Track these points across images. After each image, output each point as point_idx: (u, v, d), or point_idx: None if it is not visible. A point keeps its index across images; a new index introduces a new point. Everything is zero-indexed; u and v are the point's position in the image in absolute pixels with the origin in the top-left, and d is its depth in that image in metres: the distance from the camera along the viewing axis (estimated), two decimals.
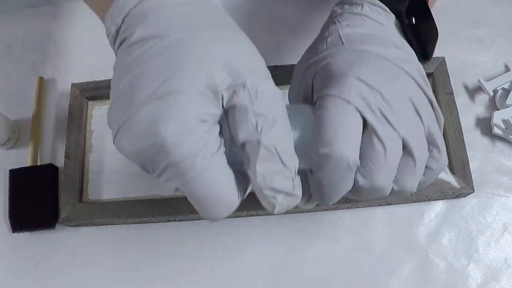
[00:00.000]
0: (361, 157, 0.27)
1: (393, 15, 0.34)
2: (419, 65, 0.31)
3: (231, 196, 0.27)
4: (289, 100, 0.37)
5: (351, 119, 0.27)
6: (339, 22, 0.34)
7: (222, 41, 0.28)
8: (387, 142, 0.27)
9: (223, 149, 0.27)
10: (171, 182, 0.27)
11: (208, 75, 0.26)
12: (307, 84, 0.33)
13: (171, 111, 0.25)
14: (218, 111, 0.26)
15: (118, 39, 0.29)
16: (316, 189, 0.30)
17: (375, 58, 0.30)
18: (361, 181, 0.28)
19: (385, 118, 0.27)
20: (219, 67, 0.26)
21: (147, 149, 0.25)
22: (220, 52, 0.27)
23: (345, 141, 0.27)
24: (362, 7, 0.34)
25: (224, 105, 0.26)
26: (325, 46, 0.33)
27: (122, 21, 0.28)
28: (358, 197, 0.30)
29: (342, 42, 0.32)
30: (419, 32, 0.33)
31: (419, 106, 0.29)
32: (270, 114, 0.26)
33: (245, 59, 0.28)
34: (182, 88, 0.25)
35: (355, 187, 0.28)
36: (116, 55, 0.29)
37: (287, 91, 0.38)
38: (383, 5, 0.33)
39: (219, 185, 0.26)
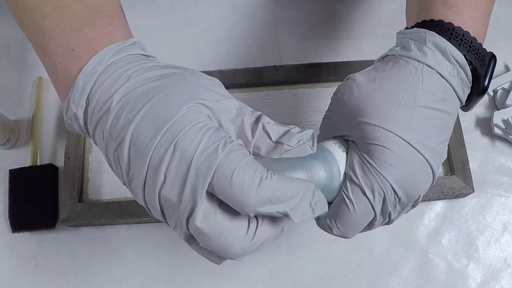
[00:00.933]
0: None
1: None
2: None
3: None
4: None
5: (368, 219, 0.32)
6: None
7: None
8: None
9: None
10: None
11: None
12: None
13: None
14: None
15: (92, 119, 0.28)
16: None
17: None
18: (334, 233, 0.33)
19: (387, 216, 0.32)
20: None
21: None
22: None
23: (355, 232, 0.32)
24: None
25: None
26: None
27: (88, 103, 0.28)
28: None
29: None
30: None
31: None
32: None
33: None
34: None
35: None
36: (93, 135, 0.29)
37: None
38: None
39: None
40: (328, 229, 0.32)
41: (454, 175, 0.49)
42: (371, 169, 0.30)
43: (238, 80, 0.54)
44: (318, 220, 0.33)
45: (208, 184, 0.25)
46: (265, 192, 0.25)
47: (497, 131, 0.52)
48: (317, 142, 0.31)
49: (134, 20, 0.60)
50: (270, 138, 0.28)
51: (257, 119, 0.28)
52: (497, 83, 0.53)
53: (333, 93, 0.34)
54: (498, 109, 0.53)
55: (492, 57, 0.34)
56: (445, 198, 0.50)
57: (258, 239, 0.28)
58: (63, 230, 0.51)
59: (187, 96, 0.26)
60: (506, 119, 0.51)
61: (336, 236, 0.33)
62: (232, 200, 0.25)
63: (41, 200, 0.51)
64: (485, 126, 0.53)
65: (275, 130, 0.28)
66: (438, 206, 0.51)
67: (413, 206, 0.33)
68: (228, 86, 0.55)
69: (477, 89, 0.34)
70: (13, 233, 0.51)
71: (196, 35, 0.59)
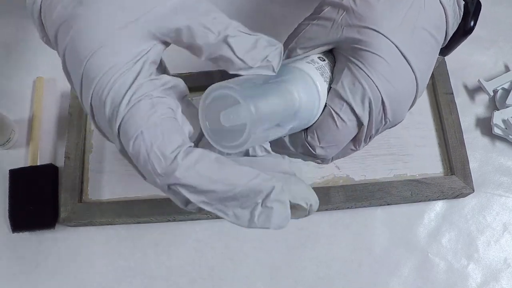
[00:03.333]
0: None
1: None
2: None
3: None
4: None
5: (352, 136, 0.30)
6: None
7: None
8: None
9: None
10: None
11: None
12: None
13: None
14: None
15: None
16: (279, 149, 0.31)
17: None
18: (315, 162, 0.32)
19: (369, 138, 0.31)
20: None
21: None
22: None
23: (337, 151, 0.30)
24: None
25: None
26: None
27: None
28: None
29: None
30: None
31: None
32: None
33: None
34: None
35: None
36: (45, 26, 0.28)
37: None
38: None
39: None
40: (306, 148, 0.29)
41: (454, 175, 0.49)
42: (361, 80, 0.28)
43: None
44: (288, 137, 0.30)
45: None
46: (182, 172, 0.21)
47: (497, 131, 0.52)
48: (293, 54, 0.30)
49: None
50: (235, 54, 0.25)
51: (218, 32, 0.25)
52: (497, 83, 0.53)
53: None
54: (498, 109, 0.53)
55: (478, 3, 0.33)
56: (445, 198, 0.50)
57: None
58: (63, 230, 0.51)
59: (103, 24, 0.24)
60: (506, 119, 0.51)
61: (314, 158, 0.30)
62: (139, 168, 0.23)
63: (41, 200, 0.51)
64: (485, 126, 0.53)
65: (242, 43, 0.25)
66: (438, 206, 0.51)
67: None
68: None
69: (464, 27, 0.34)
70: (13, 233, 0.51)
71: None
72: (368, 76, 0.28)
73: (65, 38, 0.25)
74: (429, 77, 0.31)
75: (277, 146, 0.31)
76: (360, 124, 0.29)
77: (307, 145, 0.30)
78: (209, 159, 0.22)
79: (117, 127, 0.23)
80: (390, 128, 0.31)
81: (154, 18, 0.25)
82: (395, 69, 0.28)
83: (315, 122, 0.29)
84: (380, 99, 0.28)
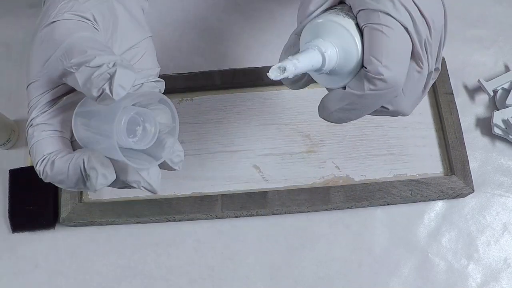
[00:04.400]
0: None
1: None
2: None
3: None
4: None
5: (408, 46, 0.27)
6: None
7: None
8: (425, 73, 0.29)
9: None
10: None
11: None
12: None
13: None
14: None
15: None
16: (339, 101, 0.28)
17: None
18: (390, 108, 0.29)
19: (426, 49, 0.28)
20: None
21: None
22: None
23: (403, 69, 0.27)
24: None
25: None
26: None
27: None
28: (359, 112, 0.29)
29: None
30: None
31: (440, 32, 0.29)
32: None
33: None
34: None
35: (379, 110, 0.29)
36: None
37: None
38: None
39: None
40: (371, 79, 0.26)
41: (454, 175, 0.49)
42: None
43: (238, 80, 0.54)
44: (349, 86, 0.28)
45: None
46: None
47: (497, 131, 0.52)
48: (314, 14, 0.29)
49: None
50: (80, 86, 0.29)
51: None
52: (497, 83, 0.53)
53: None
54: (498, 109, 0.53)
55: None
56: (445, 198, 0.50)
57: None
58: (63, 230, 0.51)
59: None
60: (506, 119, 0.51)
61: (380, 87, 0.26)
62: None
63: (41, 200, 0.51)
64: (485, 126, 0.53)
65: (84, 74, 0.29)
66: (438, 206, 0.51)
67: (440, 45, 0.30)
68: (228, 86, 0.56)
69: None
70: (13, 233, 0.51)
71: (196, 35, 0.59)
72: None
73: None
74: None
75: (342, 100, 0.28)
76: (405, 29, 0.27)
77: (370, 74, 0.26)
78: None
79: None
80: (440, 37, 0.30)
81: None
82: None
83: (366, 49, 0.27)
84: (414, 4, 0.27)
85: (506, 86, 0.54)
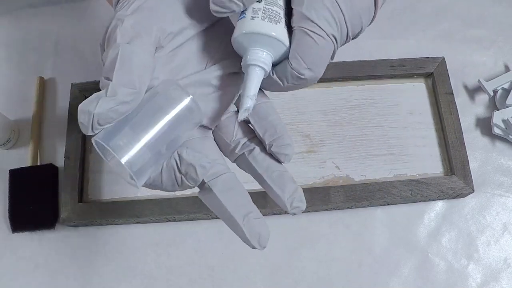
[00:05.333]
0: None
1: None
2: None
3: None
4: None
5: (331, 52, 0.31)
6: None
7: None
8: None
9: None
10: None
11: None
12: None
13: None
14: None
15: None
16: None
17: None
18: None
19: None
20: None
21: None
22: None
23: (323, 69, 0.31)
24: None
25: None
26: None
27: None
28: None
29: None
30: None
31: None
32: None
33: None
34: None
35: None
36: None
37: None
38: None
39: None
40: (294, 76, 0.30)
41: (454, 175, 0.49)
42: (326, 2, 0.29)
43: None
44: (275, 72, 0.31)
45: None
46: None
47: (497, 131, 0.52)
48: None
49: None
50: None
51: None
52: (497, 83, 0.53)
53: None
54: (498, 109, 0.53)
55: None
56: (445, 198, 0.50)
57: None
58: (63, 230, 0.51)
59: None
60: (506, 119, 0.51)
61: (300, 83, 0.31)
62: None
63: (41, 200, 0.51)
64: (485, 126, 0.53)
65: None
66: (438, 206, 0.51)
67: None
68: None
69: None
70: (13, 233, 0.51)
71: None
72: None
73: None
74: None
75: (268, 85, 0.32)
76: (334, 39, 0.30)
77: (294, 72, 0.30)
78: None
79: None
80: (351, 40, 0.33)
81: None
82: None
83: (295, 47, 0.30)
84: (343, 18, 0.30)
85: (506, 86, 0.54)
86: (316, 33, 0.29)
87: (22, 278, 0.49)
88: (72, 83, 0.55)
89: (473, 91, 0.55)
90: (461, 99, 0.54)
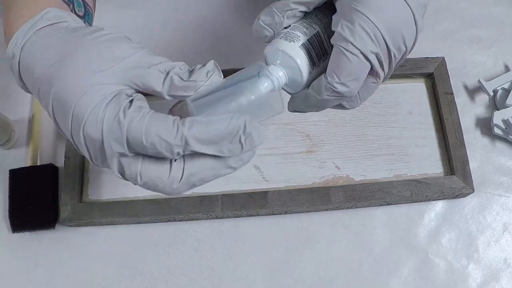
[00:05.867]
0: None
1: None
2: None
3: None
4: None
5: (365, 69, 0.32)
6: None
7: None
8: (380, 82, 0.35)
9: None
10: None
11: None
12: None
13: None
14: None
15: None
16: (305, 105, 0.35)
17: None
18: (346, 105, 0.36)
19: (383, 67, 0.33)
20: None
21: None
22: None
23: (358, 85, 0.33)
24: None
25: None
26: None
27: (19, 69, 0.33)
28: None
29: None
30: None
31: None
32: None
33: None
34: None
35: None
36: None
37: None
38: None
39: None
40: (328, 89, 0.32)
41: (454, 175, 0.49)
42: (357, 19, 0.31)
43: None
44: (312, 87, 0.33)
45: (128, 149, 0.29)
46: (181, 137, 0.28)
47: (497, 131, 0.52)
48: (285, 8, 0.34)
49: (134, 20, 0.60)
50: (182, 78, 0.31)
51: (167, 72, 0.31)
52: (497, 83, 0.53)
53: None
54: (498, 109, 0.53)
55: None
56: (445, 198, 0.50)
57: (189, 177, 0.31)
58: (63, 230, 0.51)
59: (82, 79, 0.30)
60: (506, 119, 0.51)
61: (339, 98, 0.33)
62: (153, 153, 0.29)
63: (41, 200, 0.51)
64: (485, 126, 0.53)
65: (183, 73, 0.32)
66: (438, 206, 0.51)
67: (402, 59, 0.35)
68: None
69: None
70: (13, 233, 0.51)
71: (196, 35, 0.59)
72: (362, 13, 0.31)
73: (50, 92, 0.31)
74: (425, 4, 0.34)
75: (305, 100, 0.35)
76: (366, 57, 0.32)
77: (329, 85, 0.32)
78: (199, 122, 0.29)
79: (125, 138, 0.29)
80: (401, 57, 0.34)
81: (121, 69, 0.31)
82: (386, 2, 0.31)
83: (330, 64, 0.32)
84: (379, 33, 0.31)
85: (506, 86, 0.54)
86: (350, 51, 0.31)
87: (22, 278, 0.49)
88: None
89: (473, 91, 0.55)
90: (461, 99, 0.54)
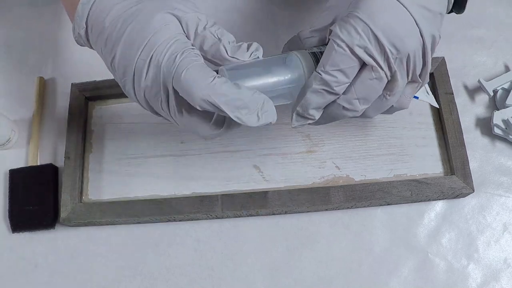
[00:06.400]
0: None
1: None
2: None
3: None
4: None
5: (353, 63, 0.34)
6: None
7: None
8: (380, 83, 0.36)
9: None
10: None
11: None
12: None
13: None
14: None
15: (91, 37, 0.38)
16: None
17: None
18: (348, 109, 0.37)
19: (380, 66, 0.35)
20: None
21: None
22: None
23: (345, 79, 0.35)
24: None
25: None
26: None
27: (87, 25, 0.37)
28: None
29: None
30: None
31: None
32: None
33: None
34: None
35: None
36: (96, 49, 0.38)
37: None
38: None
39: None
40: (315, 77, 0.35)
41: (454, 175, 0.49)
42: (351, 18, 0.34)
43: None
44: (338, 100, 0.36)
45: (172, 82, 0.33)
46: (212, 88, 0.32)
47: (497, 131, 0.52)
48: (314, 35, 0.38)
49: None
50: (227, 53, 0.35)
51: (220, 39, 0.35)
52: (497, 83, 0.53)
53: None
54: (498, 109, 0.53)
55: None
56: (445, 198, 0.50)
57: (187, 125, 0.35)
58: (63, 230, 0.51)
59: (160, 10, 0.35)
60: (506, 119, 0.51)
61: (327, 91, 0.35)
62: (183, 93, 0.33)
63: (41, 200, 0.51)
64: (485, 126, 0.53)
65: (230, 48, 0.35)
66: (438, 206, 0.51)
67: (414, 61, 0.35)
68: None
69: None
70: (13, 233, 0.51)
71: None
72: (355, 14, 0.34)
73: (124, 31, 0.35)
74: (441, 8, 0.36)
75: (335, 111, 0.37)
76: (352, 49, 0.34)
77: (317, 74, 0.35)
78: (231, 83, 0.33)
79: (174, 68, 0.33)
80: (408, 57, 0.35)
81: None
82: (382, 4, 0.34)
83: (322, 57, 0.35)
84: (368, 28, 0.33)
85: (506, 86, 0.54)
86: (337, 44, 0.34)
87: (22, 278, 0.49)
88: (72, 83, 0.55)
89: (473, 91, 0.55)
90: (461, 99, 0.54)
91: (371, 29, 0.33)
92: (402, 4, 0.34)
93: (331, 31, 0.35)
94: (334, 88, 0.34)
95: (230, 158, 0.52)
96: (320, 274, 0.48)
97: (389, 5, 0.34)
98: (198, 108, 0.33)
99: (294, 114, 0.38)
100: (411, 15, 0.34)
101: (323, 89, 0.35)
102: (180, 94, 0.33)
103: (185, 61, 0.33)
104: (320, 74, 0.34)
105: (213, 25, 0.36)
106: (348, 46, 0.34)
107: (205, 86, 0.32)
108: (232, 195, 0.49)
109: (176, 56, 0.33)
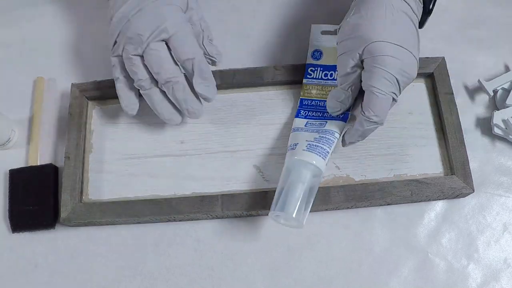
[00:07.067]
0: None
1: None
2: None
3: None
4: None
5: (390, 102, 0.44)
6: None
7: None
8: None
9: None
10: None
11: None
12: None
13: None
14: None
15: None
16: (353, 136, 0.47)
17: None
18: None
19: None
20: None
21: None
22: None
23: (386, 115, 0.45)
24: None
25: None
26: None
27: None
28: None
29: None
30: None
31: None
32: None
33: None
34: None
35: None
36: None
37: None
38: None
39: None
40: (367, 121, 0.44)
41: (454, 175, 0.49)
42: (380, 72, 0.43)
43: (238, 80, 0.54)
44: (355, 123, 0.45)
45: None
46: None
47: (497, 131, 0.52)
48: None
49: None
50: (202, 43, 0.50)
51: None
52: (497, 83, 0.53)
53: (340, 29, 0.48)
54: (498, 109, 0.53)
55: None
56: (445, 198, 0.50)
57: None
58: (63, 230, 0.51)
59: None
60: (506, 119, 0.51)
61: (374, 126, 0.45)
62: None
63: (41, 200, 0.51)
64: (485, 126, 0.53)
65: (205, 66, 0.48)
66: (438, 206, 0.51)
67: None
68: (228, 86, 0.56)
69: (425, 10, 0.47)
70: (13, 233, 0.51)
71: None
72: (382, 68, 0.43)
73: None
74: (417, 46, 0.46)
75: (352, 132, 0.46)
76: (392, 97, 0.44)
77: (365, 117, 0.44)
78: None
79: None
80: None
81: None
82: (397, 53, 0.43)
83: (365, 103, 0.44)
84: (394, 76, 0.43)
85: (506, 86, 0.54)
86: (379, 93, 0.43)
87: (22, 278, 0.49)
88: (72, 83, 0.55)
89: (473, 91, 0.55)
90: (461, 99, 0.54)
91: (395, 77, 0.43)
92: (411, 53, 0.44)
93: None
94: (380, 123, 0.45)
95: (230, 158, 0.52)
96: (320, 274, 0.48)
97: (401, 53, 0.44)
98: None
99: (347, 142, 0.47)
100: (413, 56, 0.44)
101: (373, 126, 0.45)
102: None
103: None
104: (369, 119, 0.44)
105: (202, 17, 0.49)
106: (386, 93, 0.43)
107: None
108: (232, 195, 0.49)
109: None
